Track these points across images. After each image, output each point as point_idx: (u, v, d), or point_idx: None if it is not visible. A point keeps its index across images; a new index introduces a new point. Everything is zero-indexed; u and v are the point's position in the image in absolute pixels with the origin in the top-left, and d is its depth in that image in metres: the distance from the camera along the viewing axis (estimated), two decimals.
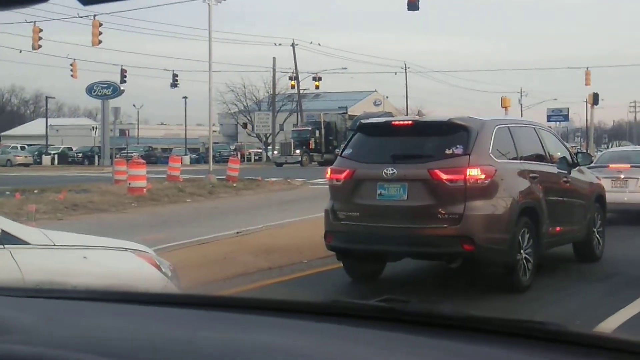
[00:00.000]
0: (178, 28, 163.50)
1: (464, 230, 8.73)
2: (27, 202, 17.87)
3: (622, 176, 16.76)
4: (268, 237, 13.65)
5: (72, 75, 46.93)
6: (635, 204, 16.37)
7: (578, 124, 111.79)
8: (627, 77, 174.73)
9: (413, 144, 9.60)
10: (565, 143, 12.88)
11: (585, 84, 60.94)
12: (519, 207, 9.21)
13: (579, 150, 26.02)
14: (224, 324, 1.85)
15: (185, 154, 69.09)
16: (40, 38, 38.84)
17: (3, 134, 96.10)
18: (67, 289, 2.58)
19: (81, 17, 39.73)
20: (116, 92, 58.24)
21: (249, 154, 73.71)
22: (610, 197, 12.89)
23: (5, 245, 4.91)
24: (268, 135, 71.47)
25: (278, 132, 69.78)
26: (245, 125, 76.41)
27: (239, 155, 47.26)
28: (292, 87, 69.72)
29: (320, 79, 66.51)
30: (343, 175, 9.54)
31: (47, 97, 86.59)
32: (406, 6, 31.26)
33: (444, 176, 8.87)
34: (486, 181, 8.94)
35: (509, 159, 9.58)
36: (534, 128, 10.99)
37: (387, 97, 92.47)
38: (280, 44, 66.44)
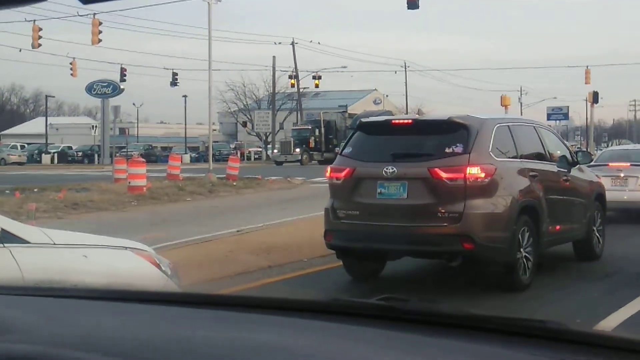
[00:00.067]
0: (178, 27, 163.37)
1: (464, 228, 8.72)
2: (27, 201, 17.89)
3: (622, 175, 16.76)
4: (268, 236, 13.64)
5: (72, 74, 46.87)
6: (635, 203, 16.37)
7: (578, 122, 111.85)
8: (627, 76, 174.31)
9: (413, 143, 9.59)
10: (565, 142, 12.87)
11: (585, 83, 60.85)
12: (519, 206, 9.21)
13: (579, 149, 25.99)
14: (224, 322, 1.85)
15: (185, 153, 69.12)
16: (40, 37, 38.83)
17: (3, 132, 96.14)
18: (67, 288, 2.58)
19: (81, 15, 39.91)
20: (116, 90, 58.24)
21: (249, 152, 73.75)
22: (610, 195, 12.89)
23: (5, 244, 4.91)
24: (268, 133, 71.43)
25: (278, 131, 69.72)
26: (245, 124, 76.35)
27: (238, 154, 47.18)
28: (292, 85, 69.70)
29: (320, 77, 66.52)
30: (343, 173, 9.53)
31: (46, 96, 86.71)
32: (406, 5, 31.22)
33: (443, 175, 8.86)
34: (486, 180, 8.93)
35: (509, 158, 9.57)
36: (534, 126, 10.99)
37: (387, 95, 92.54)
38: (280, 43, 66.52)
